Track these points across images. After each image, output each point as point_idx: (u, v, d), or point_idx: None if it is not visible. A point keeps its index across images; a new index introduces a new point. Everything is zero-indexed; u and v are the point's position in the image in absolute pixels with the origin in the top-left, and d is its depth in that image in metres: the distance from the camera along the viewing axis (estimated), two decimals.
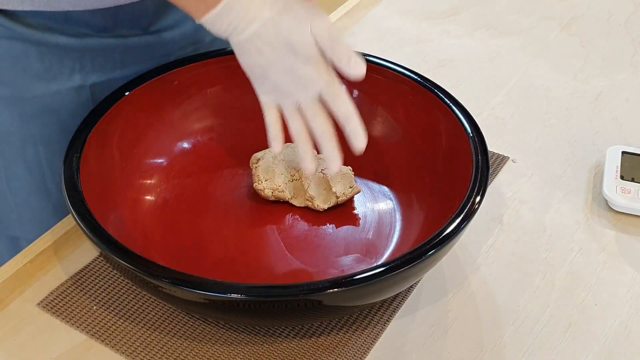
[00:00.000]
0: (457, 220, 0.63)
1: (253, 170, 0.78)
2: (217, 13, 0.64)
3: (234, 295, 0.58)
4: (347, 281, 0.58)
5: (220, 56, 0.83)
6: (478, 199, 0.65)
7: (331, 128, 0.67)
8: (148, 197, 0.77)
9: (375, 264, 0.67)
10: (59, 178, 0.80)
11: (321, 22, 0.65)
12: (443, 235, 0.62)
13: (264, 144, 0.72)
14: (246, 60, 0.67)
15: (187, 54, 0.85)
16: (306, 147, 0.69)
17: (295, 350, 0.67)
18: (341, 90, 0.66)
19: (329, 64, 0.66)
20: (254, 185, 0.77)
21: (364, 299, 0.63)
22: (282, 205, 0.78)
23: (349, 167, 0.77)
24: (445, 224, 0.62)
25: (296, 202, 0.77)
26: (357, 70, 0.65)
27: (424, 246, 0.61)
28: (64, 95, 0.78)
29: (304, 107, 0.67)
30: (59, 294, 0.71)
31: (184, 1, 0.67)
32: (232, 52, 0.84)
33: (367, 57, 0.81)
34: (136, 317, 0.69)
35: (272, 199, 0.77)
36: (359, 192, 0.77)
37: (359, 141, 0.67)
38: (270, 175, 0.77)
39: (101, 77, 0.79)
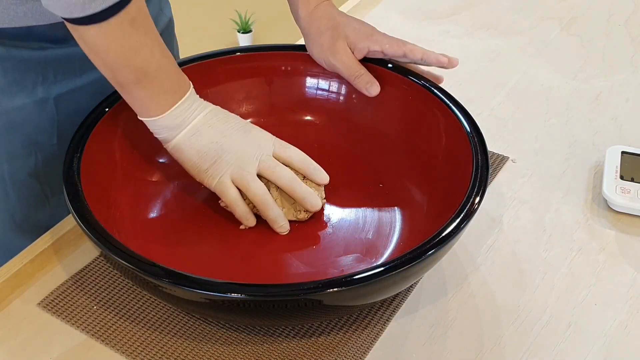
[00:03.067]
0: (457, 221, 0.63)
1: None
2: (180, 104, 0.69)
3: (234, 295, 0.58)
4: (346, 281, 0.58)
5: (220, 56, 0.83)
6: (477, 199, 0.65)
7: (293, 173, 0.72)
8: (148, 197, 0.77)
9: (375, 264, 0.67)
10: (23, 196, 0.80)
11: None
12: (442, 235, 0.62)
13: None
14: (200, 141, 0.70)
15: None
16: (275, 209, 0.72)
17: (296, 350, 0.67)
18: (287, 143, 0.74)
19: None
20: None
21: (364, 298, 0.63)
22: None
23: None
24: (445, 224, 0.62)
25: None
26: None
27: (424, 246, 0.61)
28: (28, 109, 0.78)
29: (264, 164, 0.71)
30: (59, 294, 0.71)
31: (148, 90, 0.68)
32: (232, 52, 0.84)
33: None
34: (136, 317, 0.69)
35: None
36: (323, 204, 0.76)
37: (323, 177, 0.74)
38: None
39: (64, 88, 0.79)
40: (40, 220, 0.83)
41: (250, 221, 0.73)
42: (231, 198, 0.72)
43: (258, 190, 0.71)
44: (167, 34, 0.92)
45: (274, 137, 0.74)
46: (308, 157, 0.74)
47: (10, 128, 0.77)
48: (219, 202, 0.75)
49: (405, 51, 0.79)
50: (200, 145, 0.70)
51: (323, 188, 0.76)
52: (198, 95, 0.72)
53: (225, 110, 0.74)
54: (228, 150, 0.70)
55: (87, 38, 0.64)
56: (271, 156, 0.72)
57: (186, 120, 0.70)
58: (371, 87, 0.80)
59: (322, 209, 0.75)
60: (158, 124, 0.70)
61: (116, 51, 0.65)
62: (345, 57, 0.79)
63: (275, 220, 0.73)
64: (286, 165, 0.73)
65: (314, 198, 0.73)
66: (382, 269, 0.59)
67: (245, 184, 0.71)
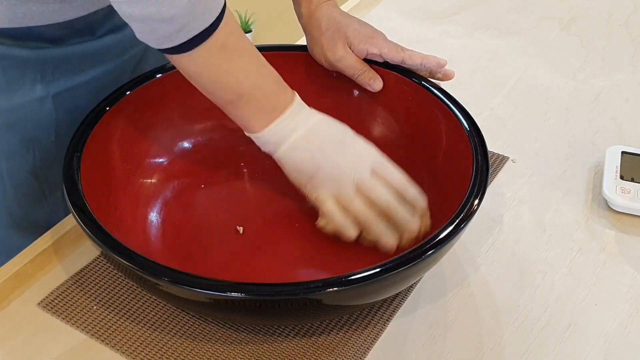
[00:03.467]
0: (455, 222, 0.63)
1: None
2: (279, 122, 0.69)
3: (233, 294, 0.58)
4: (346, 280, 0.58)
5: None
6: (477, 201, 0.65)
7: (392, 195, 0.69)
8: (148, 197, 0.77)
9: (374, 264, 0.67)
10: (21, 193, 0.79)
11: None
12: (441, 236, 0.62)
13: None
14: (301, 155, 0.69)
15: (140, 50, 0.86)
16: (379, 224, 0.70)
17: (296, 350, 0.67)
18: (389, 162, 0.71)
19: None
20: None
21: (364, 298, 0.63)
22: (281, 205, 0.78)
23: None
24: (443, 226, 0.62)
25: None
26: None
27: (422, 247, 0.61)
28: (27, 107, 0.78)
29: (362, 183, 0.69)
30: (59, 294, 0.71)
31: (246, 110, 0.69)
32: None
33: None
34: (136, 317, 0.69)
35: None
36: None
37: (420, 203, 0.70)
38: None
39: (62, 86, 0.79)
40: (38, 218, 0.83)
41: (351, 233, 0.70)
42: (328, 212, 0.70)
43: (359, 209, 0.69)
44: None
45: (376, 152, 0.71)
46: (406, 179, 0.70)
47: (9, 126, 0.78)
48: (316, 222, 0.72)
49: (404, 57, 0.79)
50: (299, 161, 0.70)
51: (427, 213, 0.71)
52: (306, 105, 0.71)
53: (331, 120, 0.72)
54: (324, 168, 0.69)
55: (180, 66, 0.67)
56: (368, 177, 0.69)
57: (287, 135, 0.69)
58: (374, 83, 0.80)
59: (425, 235, 0.70)
60: (260, 140, 0.70)
61: (210, 77, 0.67)
62: (345, 57, 0.80)
63: (378, 238, 0.70)
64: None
65: (411, 223, 0.70)
66: (381, 269, 0.59)
67: (347, 204, 0.69)
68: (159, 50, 0.65)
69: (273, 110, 0.69)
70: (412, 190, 0.70)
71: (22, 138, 0.79)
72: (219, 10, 0.64)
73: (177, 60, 0.66)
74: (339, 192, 0.69)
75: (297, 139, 0.69)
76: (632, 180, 0.82)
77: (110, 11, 0.80)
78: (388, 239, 0.70)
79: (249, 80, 0.68)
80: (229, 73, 0.67)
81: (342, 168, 0.69)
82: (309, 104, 0.85)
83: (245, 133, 0.71)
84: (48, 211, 0.83)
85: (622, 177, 0.82)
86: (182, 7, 0.60)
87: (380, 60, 0.80)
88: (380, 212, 0.69)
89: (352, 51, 0.80)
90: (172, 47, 0.64)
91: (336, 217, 0.70)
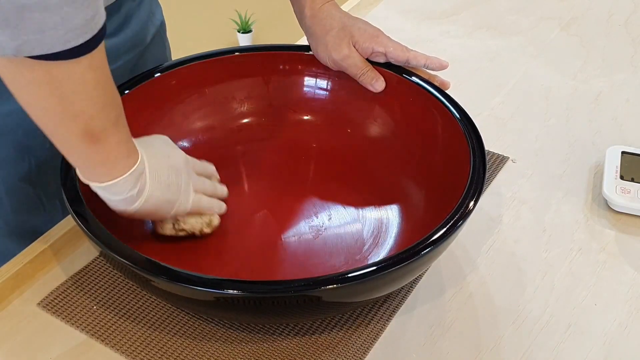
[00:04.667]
0: (450, 223, 0.63)
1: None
2: (123, 179, 0.62)
3: (232, 292, 0.58)
4: (343, 278, 0.58)
5: (219, 56, 0.83)
6: (472, 203, 0.65)
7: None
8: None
9: (370, 262, 0.67)
10: (16, 201, 0.79)
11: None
12: (436, 236, 0.62)
13: (262, 144, 0.71)
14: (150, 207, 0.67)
15: (135, 56, 0.85)
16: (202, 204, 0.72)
17: (296, 349, 0.67)
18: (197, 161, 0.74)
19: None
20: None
21: (360, 295, 0.63)
22: (280, 204, 0.78)
23: None
24: (438, 226, 0.62)
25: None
26: None
27: (416, 247, 0.61)
28: (20, 114, 0.75)
29: (194, 185, 0.71)
30: (59, 294, 0.71)
31: (87, 166, 0.63)
32: (231, 52, 0.84)
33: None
34: (136, 317, 0.69)
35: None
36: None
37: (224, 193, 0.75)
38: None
39: None
40: (37, 225, 0.83)
41: (221, 207, 0.73)
42: (192, 207, 0.71)
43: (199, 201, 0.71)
44: (159, 37, 0.92)
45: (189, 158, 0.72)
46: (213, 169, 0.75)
47: (1, 133, 0.77)
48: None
49: (408, 57, 0.80)
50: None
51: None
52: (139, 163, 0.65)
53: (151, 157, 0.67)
54: (167, 199, 0.68)
55: (76, 77, 0.56)
56: (195, 176, 0.71)
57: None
58: (376, 83, 0.81)
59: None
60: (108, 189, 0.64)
61: (105, 86, 0.59)
62: (350, 56, 0.80)
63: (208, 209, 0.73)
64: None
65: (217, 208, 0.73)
66: (376, 267, 0.59)
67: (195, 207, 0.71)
68: (61, 54, 0.53)
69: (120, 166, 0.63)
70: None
71: (16, 145, 0.78)
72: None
73: (73, 67, 0.55)
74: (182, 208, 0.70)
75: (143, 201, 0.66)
76: (632, 180, 0.82)
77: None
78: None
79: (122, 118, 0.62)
80: (114, 92, 0.61)
81: (173, 194, 0.68)
82: (308, 104, 0.86)
83: (85, 181, 0.64)
84: (47, 219, 0.83)
85: (622, 177, 0.82)
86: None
87: (384, 59, 0.80)
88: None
89: (357, 50, 0.80)
90: (79, 46, 0.53)
91: (202, 202, 0.71)
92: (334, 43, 0.80)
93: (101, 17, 0.55)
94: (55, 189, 0.82)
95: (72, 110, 0.57)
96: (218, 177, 0.77)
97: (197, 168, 0.74)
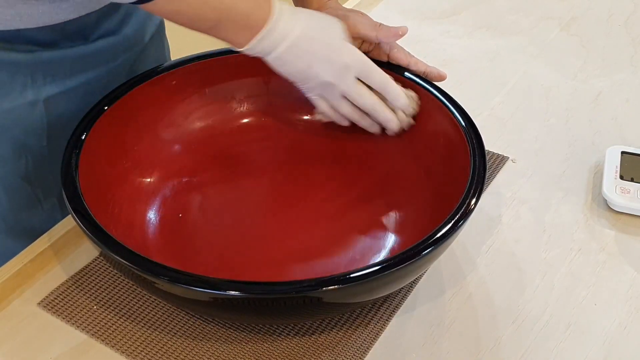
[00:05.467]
0: (451, 223, 0.63)
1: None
2: (259, 38, 0.71)
3: (232, 293, 0.58)
4: (344, 279, 0.58)
5: (219, 56, 0.83)
6: (473, 201, 0.65)
7: (377, 98, 0.76)
8: (147, 196, 0.77)
9: (371, 262, 0.67)
10: (13, 199, 0.79)
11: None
12: (437, 236, 0.62)
13: (262, 144, 0.71)
14: (288, 69, 0.74)
15: (133, 54, 0.86)
16: (365, 121, 0.79)
17: (296, 349, 0.67)
18: (373, 66, 0.76)
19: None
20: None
21: (361, 295, 0.63)
22: (281, 204, 0.78)
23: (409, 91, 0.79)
24: (439, 225, 0.62)
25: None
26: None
27: (418, 246, 0.61)
28: (17, 112, 0.77)
29: (348, 93, 0.75)
30: (59, 294, 0.71)
31: (227, 32, 0.72)
32: (231, 52, 0.84)
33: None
34: (136, 317, 0.69)
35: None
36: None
37: (401, 102, 0.77)
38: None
39: (53, 90, 0.78)
40: (34, 223, 0.83)
41: (345, 123, 0.80)
42: (321, 109, 0.78)
43: (346, 110, 0.77)
44: (158, 36, 0.92)
45: (361, 58, 0.75)
46: (388, 80, 0.76)
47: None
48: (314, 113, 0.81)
49: (410, 62, 0.80)
50: (290, 68, 0.74)
51: (414, 103, 0.78)
52: (288, 11, 0.72)
53: (318, 20, 0.75)
54: (313, 77, 0.74)
55: (158, 10, 0.69)
56: (353, 86, 0.75)
57: (275, 45, 0.72)
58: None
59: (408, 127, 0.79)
60: (249, 52, 0.73)
61: (187, 11, 0.69)
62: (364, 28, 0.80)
63: (368, 127, 0.80)
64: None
65: (392, 124, 0.78)
66: (378, 267, 0.59)
67: (336, 107, 0.77)
68: (134, 3, 0.67)
69: (251, 28, 0.71)
70: (394, 91, 0.76)
71: (13, 143, 0.78)
72: None
73: (153, 6, 0.68)
74: (328, 99, 0.77)
75: (284, 50, 0.72)
76: (632, 180, 0.82)
77: (102, 15, 0.79)
78: (375, 128, 0.79)
79: (223, 5, 0.70)
80: (204, 2, 0.69)
81: (329, 80, 0.74)
82: (308, 104, 0.85)
83: (240, 48, 0.73)
84: (45, 217, 0.83)
85: (622, 177, 0.82)
86: None
87: (386, 58, 0.81)
88: (365, 112, 0.78)
89: (363, 40, 0.80)
90: None
91: (328, 114, 0.79)
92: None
93: None
94: (52, 187, 0.82)
95: (186, 25, 0.71)
96: (404, 104, 0.77)
97: (371, 78, 0.76)
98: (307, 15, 0.74)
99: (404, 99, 0.76)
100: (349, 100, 0.76)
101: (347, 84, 0.74)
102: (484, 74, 1.04)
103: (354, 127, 0.84)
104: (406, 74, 0.80)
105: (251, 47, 0.72)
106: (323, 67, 0.73)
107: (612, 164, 0.84)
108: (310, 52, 0.73)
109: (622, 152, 0.85)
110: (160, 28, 0.93)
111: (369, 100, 0.76)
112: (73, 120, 0.73)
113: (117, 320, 0.69)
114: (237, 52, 0.85)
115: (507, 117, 0.96)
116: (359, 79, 0.75)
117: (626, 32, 1.13)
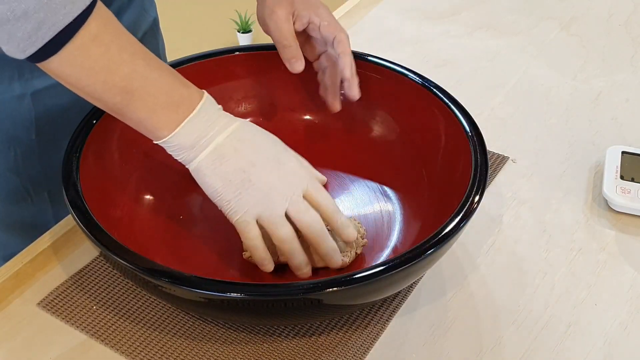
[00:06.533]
0: (456, 220, 0.63)
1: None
2: (189, 124, 0.61)
3: (233, 295, 0.58)
4: (345, 280, 0.58)
5: (219, 55, 0.83)
6: (477, 198, 0.65)
7: (321, 223, 0.65)
8: (147, 197, 0.77)
9: (374, 263, 0.67)
10: (2, 191, 0.79)
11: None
12: (441, 235, 0.62)
13: None
14: (225, 168, 0.62)
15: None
16: (301, 257, 0.66)
17: (296, 350, 0.67)
18: (321, 186, 0.66)
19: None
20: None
21: (363, 297, 0.63)
22: None
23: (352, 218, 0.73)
24: (444, 223, 0.62)
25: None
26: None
27: (423, 246, 0.61)
28: (5, 105, 0.76)
29: (293, 209, 0.63)
30: (59, 294, 0.71)
31: (144, 114, 0.61)
32: (230, 52, 0.84)
33: (367, 57, 0.81)
34: (136, 317, 0.69)
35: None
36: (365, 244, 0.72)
37: (349, 233, 0.67)
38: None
39: (41, 84, 0.77)
40: (25, 216, 0.82)
41: (268, 267, 0.66)
42: (251, 241, 0.64)
43: (287, 236, 0.63)
44: (152, 34, 0.91)
45: (311, 170, 0.67)
46: (337, 207, 0.66)
47: None
48: (242, 253, 0.70)
49: (340, 51, 0.74)
50: (225, 173, 0.62)
51: (356, 243, 0.70)
52: (221, 107, 0.64)
53: (256, 127, 0.65)
54: (256, 183, 0.62)
55: (54, 71, 0.58)
56: (302, 198, 0.63)
57: (205, 139, 0.62)
58: (295, 63, 0.74)
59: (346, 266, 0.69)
60: (170, 144, 0.62)
61: (88, 76, 0.58)
62: (281, 23, 0.74)
63: (298, 267, 0.66)
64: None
65: (336, 256, 0.66)
66: (381, 268, 0.59)
67: (273, 228, 0.63)
68: (29, 60, 0.56)
69: (177, 106, 0.61)
70: (341, 221, 0.66)
71: (1, 135, 0.78)
72: (86, 1, 0.56)
73: (48, 66, 0.58)
74: (268, 217, 0.63)
75: (222, 146, 0.62)
76: (632, 180, 0.82)
77: None
78: (304, 271, 0.67)
79: (137, 73, 0.59)
80: (109, 68, 0.58)
81: (276, 186, 0.62)
82: (308, 104, 0.85)
83: (155, 142, 0.63)
84: (35, 211, 0.83)
85: (622, 177, 0.82)
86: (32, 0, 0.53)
87: (319, 35, 0.76)
88: (307, 240, 0.65)
89: (295, 20, 0.75)
90: (38, 51, 0.55)
91: (257, 251, 0.65)
92: (272, 6, 0.75)
93: (52, 26, 0.55)
94: (42, 180, 0.82)
95: (81, 93, 0.60)
96: (349, 238, 0.67)
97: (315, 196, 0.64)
98: (239, 119, 0.65)
99: (353, 232, 0.67)
100: (290, 222, 0.64)
101: (295, 193, 0.63)
102: (484, 74, 1.04)
103: (355, 127, 0.84)
104: (407, 75, 0.80)
105: (179, 133, 0.61)
106: (273, 168, 0.63)
107: (613, 164, 0.84)
108: (261, 147, 0.64)
109: (623, 152, 0.85)
110: (154, 25, 0.93)
111: (315, 222, 0.64)
112: (62, 115, 0.73)
113: (117, 320, 0.69)
114: (236, 52, 0.85)
115: (507, 117, 0.96)
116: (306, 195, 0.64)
117: (626, 32, 1.13)
